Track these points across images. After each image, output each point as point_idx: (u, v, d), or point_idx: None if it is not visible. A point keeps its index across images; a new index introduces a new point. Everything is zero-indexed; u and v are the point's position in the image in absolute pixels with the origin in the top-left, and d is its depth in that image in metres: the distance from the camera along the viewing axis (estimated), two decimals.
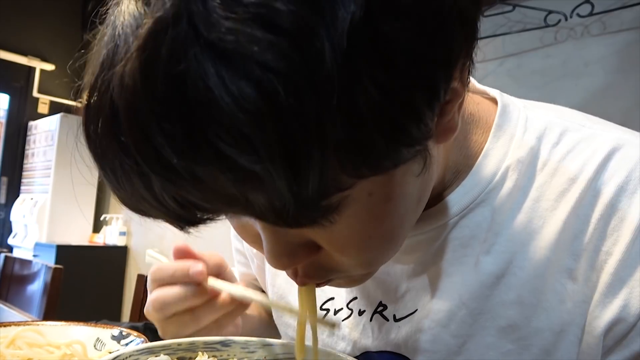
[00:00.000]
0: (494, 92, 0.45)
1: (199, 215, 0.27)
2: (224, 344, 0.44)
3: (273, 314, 0.59)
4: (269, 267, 0.56)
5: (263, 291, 0.63)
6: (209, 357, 0.43)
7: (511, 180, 0.40)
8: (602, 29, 1.37)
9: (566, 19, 1.37)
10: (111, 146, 0.24)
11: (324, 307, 0.50)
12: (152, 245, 3.11)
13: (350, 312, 0.47)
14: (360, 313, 0.46)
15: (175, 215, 0.27)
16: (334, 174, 0.25)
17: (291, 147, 0.22)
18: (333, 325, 0.45)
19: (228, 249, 0.65)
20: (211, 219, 0.28)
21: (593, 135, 0.40)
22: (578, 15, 1.35)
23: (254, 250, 0.57)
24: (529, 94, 1.56)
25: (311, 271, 0.34)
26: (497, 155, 0.41)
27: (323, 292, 0.50)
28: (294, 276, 0.35)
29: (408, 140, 0.26)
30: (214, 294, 0.44)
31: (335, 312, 0.49)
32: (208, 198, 0.25)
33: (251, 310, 0.65)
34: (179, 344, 0.43)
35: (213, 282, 0.45)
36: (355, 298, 0.47)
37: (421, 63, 0.25)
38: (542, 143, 0.41)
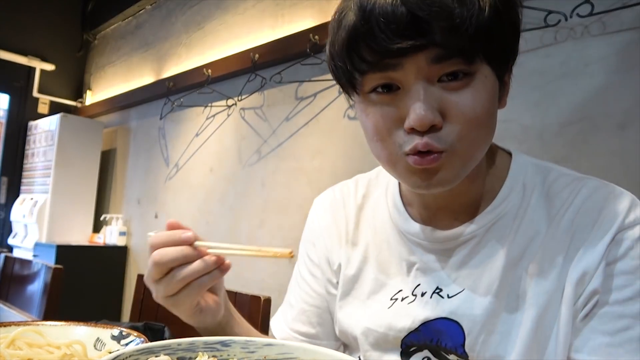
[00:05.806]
0: (508, 149, 0.68)
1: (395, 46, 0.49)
2: (224, 344, 0.44)
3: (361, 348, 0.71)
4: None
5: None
6: (209, 357, 0.43)
7: (524, 199, 0.62)
8: (602, 29, 1.36)
9: (566, 19, 1.37)
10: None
11: (393, 297, 0.67)
12: None
13: (414, 297, 0.66)
14: (423, 294, 0.65)
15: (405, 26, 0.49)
16: (478, 48, 0.50)
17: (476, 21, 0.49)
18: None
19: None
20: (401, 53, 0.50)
21: (578, 179, 0.62)
22: (578, 15, 1.35)
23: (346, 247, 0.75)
24: (529, 93, 1.56)
25: (431, 139, 0.52)
26: (514, 184, 0.63)
27: (393, 288, 0.68)
28: (420, 140, 0.52)
29: (507, 54, 0.55)
30: (202, 254, 0.57)
31: (402, 299, 0.66)
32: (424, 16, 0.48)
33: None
34: (179, 344, 0.43)
35: (200, 244, 0.58)
36: (418, 285, 0.66)
37: (514, 29, 0.54)
38: (546, 178, 0.63)
